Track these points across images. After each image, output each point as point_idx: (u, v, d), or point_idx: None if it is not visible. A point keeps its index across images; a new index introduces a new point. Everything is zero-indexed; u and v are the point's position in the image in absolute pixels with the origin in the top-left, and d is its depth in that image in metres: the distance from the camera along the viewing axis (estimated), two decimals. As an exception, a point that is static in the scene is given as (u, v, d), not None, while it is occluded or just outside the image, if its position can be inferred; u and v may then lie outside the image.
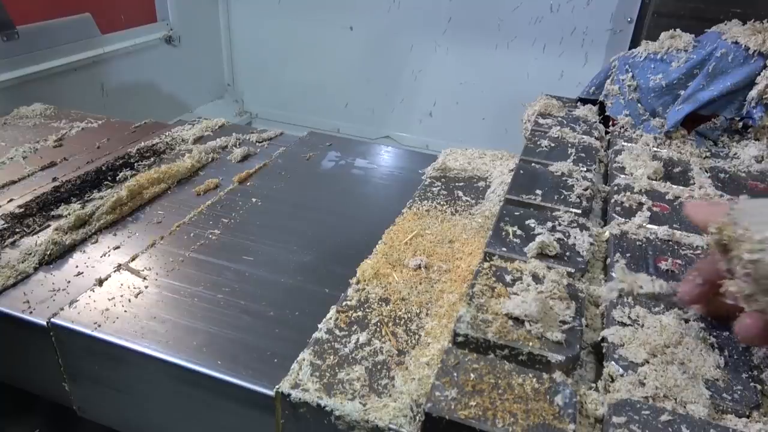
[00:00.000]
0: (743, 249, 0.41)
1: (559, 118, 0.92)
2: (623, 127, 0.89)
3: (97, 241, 0.71)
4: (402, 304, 0.56)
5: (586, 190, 0.69)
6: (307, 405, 0.45)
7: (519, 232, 0.62)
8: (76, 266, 0.65)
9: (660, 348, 0.47)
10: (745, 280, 0.42)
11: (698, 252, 0.59)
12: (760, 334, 0.43)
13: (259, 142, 1.01)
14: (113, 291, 0.61)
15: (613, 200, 0.69)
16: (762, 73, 0.80)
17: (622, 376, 0.45)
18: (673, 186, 0.72)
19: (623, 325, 0.50)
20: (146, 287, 0.61)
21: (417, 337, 0.52)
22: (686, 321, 0.50)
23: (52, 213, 0.75)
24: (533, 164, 0.77)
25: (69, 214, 0.73)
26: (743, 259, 0.41)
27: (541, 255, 0.57)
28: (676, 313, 0.51)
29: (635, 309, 0.51)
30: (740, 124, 0.86)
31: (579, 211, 0.65)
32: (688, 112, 0.83)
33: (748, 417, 0.42)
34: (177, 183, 0.86)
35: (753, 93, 0.81)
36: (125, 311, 0.58)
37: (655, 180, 0.73)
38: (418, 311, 0.55)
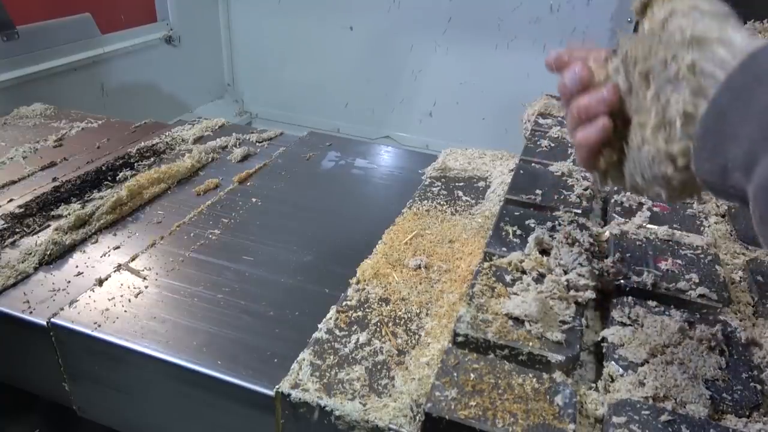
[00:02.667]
0: (670, 6, 0.40)
1: (559, 118, 0.92)
2: (623, 127, 0.89)
3: (97, 241, 0.71)
4: (402, 304, 0.56)
5: (586, 190, 0.69)
6: (307, 405, 0.45)
7: (519, 232, 0.62)
8: (76, 266, 0.65)
9: (660, 348, 0.47)
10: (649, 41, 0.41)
11: (698, 252, 0.59)
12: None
13: (259, 142, 1.01)
14: (113, 291, 0.61)
15: (613, 200, 0.69)
16: (762, 73, 0.80)
17: (622, 376, 0.45)
18: (673, 186, 0.72)
19: (623, 325, 0.50)
20: (146, 287, 0.61)
21: (417, 337, 0.52)
22: (688, 322, 0.50)
23: (52, 213, 0.75)
24: (533, 164, 0.77)
25: (69, 214, 0.73)
26: (660, 16, 0.40)
27: (542, 252, 0.58)
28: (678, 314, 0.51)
29: (635, 309, 0.51)
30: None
31: (579, 211, 0.65)
32: (688, 112, 0.83)
33: (748, 417, 0.42)
34: (177, 183, 0.86)
35: (753, 93, 0.80)
36: (125, 311, 0.58)
37: (655, 180, 0.73)
38: (418, 311, 0.55)
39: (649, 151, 0.39)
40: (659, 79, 0.39)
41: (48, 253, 0.66)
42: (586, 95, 0.45)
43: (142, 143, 0.98)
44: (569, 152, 0.79)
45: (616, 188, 0.71)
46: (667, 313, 0.51)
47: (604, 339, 0.49)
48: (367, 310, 0.55)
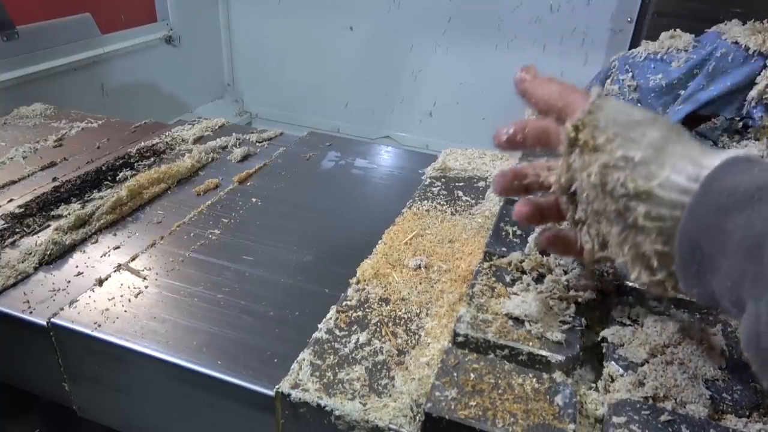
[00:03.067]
0: (598, 161, 0.37)
1: (559, 118, 0.92)
2: (623, 127, 0.89)
3: (97, 241, 0.71)
4: (402, 304, 0.56)
5: (586, 190, 0.69)
6: (307, 405, 0.45)
7: (519, 232, 0.62)
8: (76, 266, 0.65)
9: (660, 348, 0.47)
10: (584, 190, 0.39)
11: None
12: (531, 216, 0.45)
13: (259, 142, 1.01)
14: (113, 291, 0.61)
15: (613, 200, 0.69)
16: (762, 73, 0.80)
17: (622, 376, 0.45)
18: (673, 186, 0.72)
19: (623, 325, 0.50)
20: (146, 287, 0.61)
21: (417, 337, 0.52)
22: (688, 322, 0.50)
23: (52, 213, 0.75)
24: (533, 164, 0.76)
25: (69, 214, 0.73)
26: (592, 171, 0.37)
27: (542, 252, 0.58)
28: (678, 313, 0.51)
29: (635, 309, 0.51)
30: (740, 124, 0.86)
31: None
32: (688, 112, 0.83)
33: (748, 417, 0.42)
34: (177, 183, 0.86)
35: (753, 93, 0.81)
36: (125, 311, 0.58)
37: (655, 180, 0.73)
38: (418, 311, 0.55)
39: (635, 277, 0.39)
40: (619, 223, 0.37)
41: (48, 253, 0.66)
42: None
43: (142, 143, 0.98)
44: (569, 152, 0.79)
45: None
46: (667, 313, 0.51)
47: (604, 339, 0.49)
48: (367, 310, 0.55)
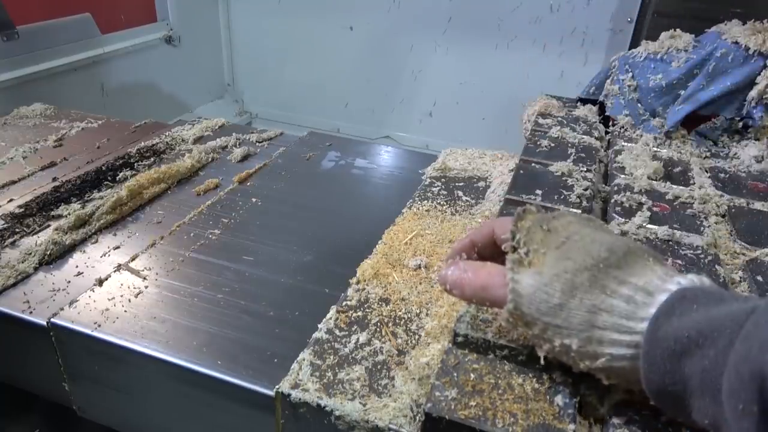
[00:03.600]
0: (544, 347, 0.41)
1: (559, 118, 0.92)
2: (623, 127, 0.89)
3: (97, 241, 0.71)
4: (402, 304, 0.56)
5: (586, 190, 0.69)
6: (307, 405, 0.45)
7: (519, 232, 0.62)
8: (76, 266, 0.65)
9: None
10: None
11: (698, 252, 0.59)
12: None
13: (259, 142, 1.01)
14: (113, 291, 0.61)
15: (613, 200, 0.69)
16: (762, 73, 0.80)
17: (622, 376, 0.45)
18: (673, 186, 0.72)
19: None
20: (146, 287, 0.61)
21: (417, 337, 0.52)
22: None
23: (52, 213, 0.75)
24: (533, 164, 0.77)
25: (69, 214, 0.73)
26: (544, 350, 0.41)
27: None
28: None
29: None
30: (740, 124, 0.86)
31: (579, 212, 0.65)
32: (688, 112, 0.83)
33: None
34: (177, 183, 0.86)
35: (753, 93, 0.81)
36: (125, 311, 0.58)
37: (655, 180, 0.73)
38: (418, 311, 0.55)
39: None
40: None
41: (48, 253, 0.66)
42: None
43: (142, 143, 0.98)
44: (569, 152, 0.79)
45: (616, 188, 0.71)
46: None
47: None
48: (367, 310, 0.55)
